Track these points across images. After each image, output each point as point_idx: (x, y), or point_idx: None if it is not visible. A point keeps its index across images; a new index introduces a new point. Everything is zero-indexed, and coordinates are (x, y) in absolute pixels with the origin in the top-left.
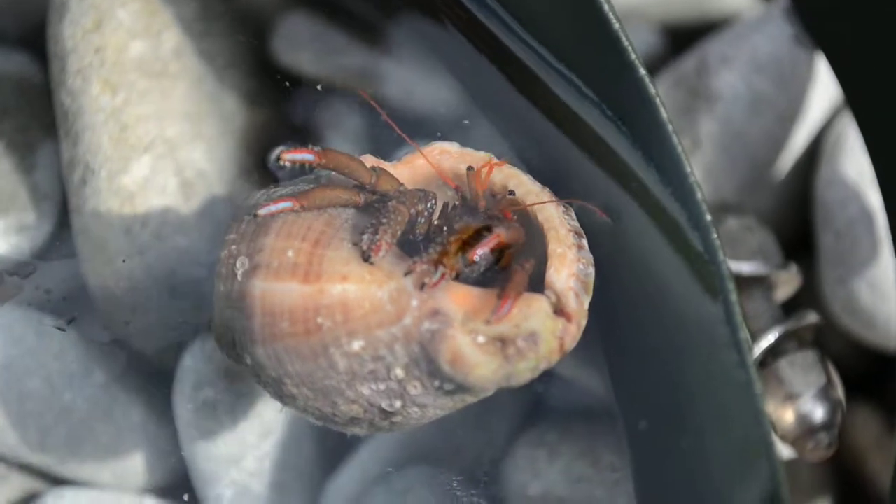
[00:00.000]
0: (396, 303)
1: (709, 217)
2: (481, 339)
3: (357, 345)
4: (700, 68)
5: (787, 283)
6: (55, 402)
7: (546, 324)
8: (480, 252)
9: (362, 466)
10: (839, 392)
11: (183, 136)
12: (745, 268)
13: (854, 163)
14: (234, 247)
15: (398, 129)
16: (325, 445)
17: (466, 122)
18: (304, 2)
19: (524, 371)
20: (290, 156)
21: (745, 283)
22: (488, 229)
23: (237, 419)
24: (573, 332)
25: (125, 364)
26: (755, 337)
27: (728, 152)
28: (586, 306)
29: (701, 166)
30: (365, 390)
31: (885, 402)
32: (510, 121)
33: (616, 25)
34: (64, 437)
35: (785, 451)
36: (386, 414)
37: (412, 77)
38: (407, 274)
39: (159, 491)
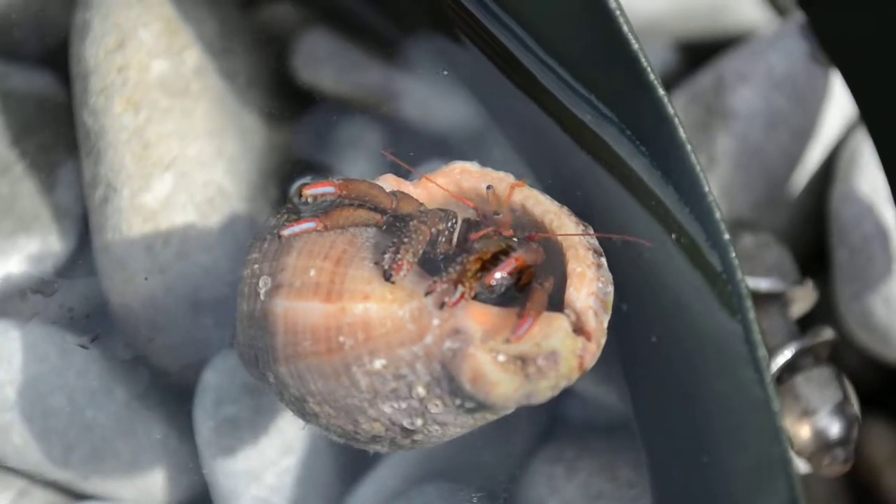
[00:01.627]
0: (418, 322)
1: (727, 236)
2: (502, 357)
3: (379, 363)
4: (716, 85)
5: (803, 299)
6: (78, 418)
7: (566, 342)
8: (499, 276)
9: (382, 482)
10: (855, 408)
11: (204, 154)
12: (761, 284)
13: (869, 179)
14: (256, 266)
15: (405, 163)
16: (344, 461)
17: (483, 141)
18: (323, 19)
19: (545, 389)
20: (311, 191)
21: (761, 300)
22: (506, 252)
23: (258, 435)
24: (593, 350)
25: (147, 381)
26: (771, 353)
27: (744, 169)
28: (605, 325)
29: (717, 183)
30: (386, 408)
31: None
32: (528, 139)
33: (635, 45)
34: (86, 454)
35: (801, 467)
36: (407, 432)
37: (431, 94)
38: (427, 293)
39: None
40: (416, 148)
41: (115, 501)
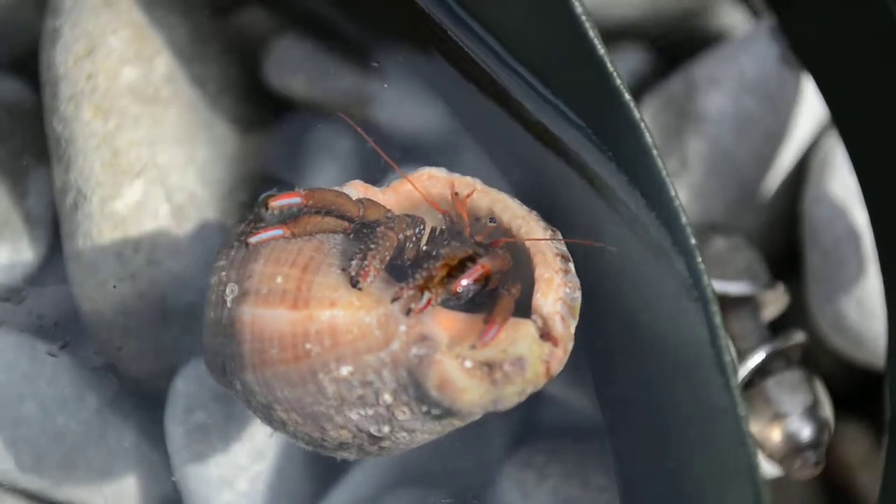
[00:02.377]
0: (384, 328)
1: (693, 241)
2: (468, 363)
3: (345, 370)
4: (688, 89)
5: (775, 302)
6: (49, 426)
7: (532, 348)
8: (465, 283)
9: (354, 488)
10: (826, 411)
11: (175, 160)
12: (732, 288)
13: (840, 182)
14: (223, 273)
15: (386, 156)
16: (316, 467)
17: (454, 146)
18: (295, 26)
19: (511, 395)
20: (276, 203)
21: (732, 303)
22: (473, 259)
23: (229, 442)
24: (560, 356)
25: (117, 388)
26: (742, 356)
27: (716, 173)
28: (573, 330)
29: (689, 187)
30: (353, 416)
31: (874, 419)
32: (497, 145)
33: (601, 51)
34: (58, 461)
35: (772, 470)
36: (374, 439)
37: (401, 101)
38: (394, 300)
39: None
40: (386, 153)
41: None
